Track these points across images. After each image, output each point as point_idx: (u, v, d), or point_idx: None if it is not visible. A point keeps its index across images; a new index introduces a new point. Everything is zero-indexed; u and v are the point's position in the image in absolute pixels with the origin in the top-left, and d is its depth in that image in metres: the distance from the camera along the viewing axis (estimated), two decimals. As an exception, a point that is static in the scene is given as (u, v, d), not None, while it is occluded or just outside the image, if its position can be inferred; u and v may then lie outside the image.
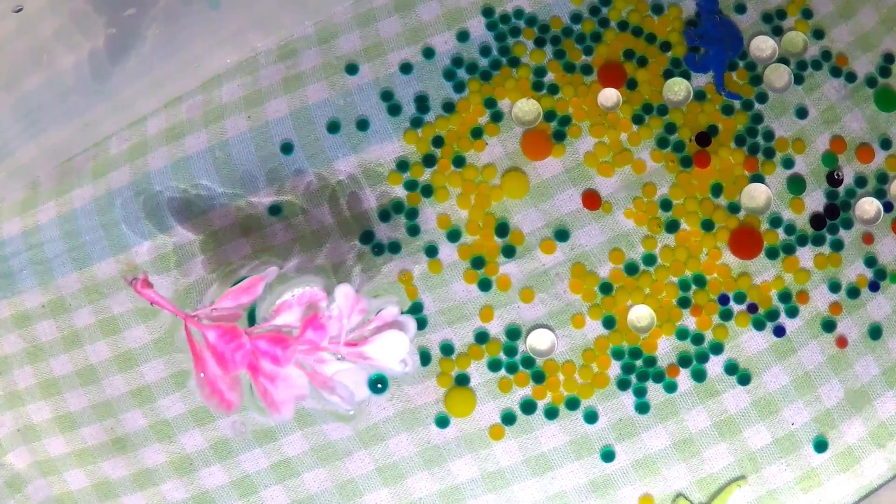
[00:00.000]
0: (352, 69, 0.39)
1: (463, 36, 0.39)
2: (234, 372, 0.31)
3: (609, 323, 0.37)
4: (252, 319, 0.35)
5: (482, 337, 0.37)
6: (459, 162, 0.38)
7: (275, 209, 0.38)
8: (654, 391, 0.37)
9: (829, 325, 0.38)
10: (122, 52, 0.39)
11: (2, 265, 0.39)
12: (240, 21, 0.39)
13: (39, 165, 0.40)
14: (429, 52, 0.39)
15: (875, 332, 0.38)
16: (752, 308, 0.38)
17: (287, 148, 0.38)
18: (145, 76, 0.39)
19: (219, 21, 0.39)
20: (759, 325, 0.38)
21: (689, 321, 0.37)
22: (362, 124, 0.38)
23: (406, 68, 0.39)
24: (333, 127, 0.38)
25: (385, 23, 0.39)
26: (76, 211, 0.39)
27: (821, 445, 0.37)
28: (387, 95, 0.38)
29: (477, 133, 0.38)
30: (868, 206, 0.39)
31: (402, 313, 0.32)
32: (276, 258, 0.37)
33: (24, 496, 0.38)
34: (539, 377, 0.37)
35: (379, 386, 0.36)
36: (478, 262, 0.37)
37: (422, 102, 0.38)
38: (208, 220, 0.38)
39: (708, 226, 0.38)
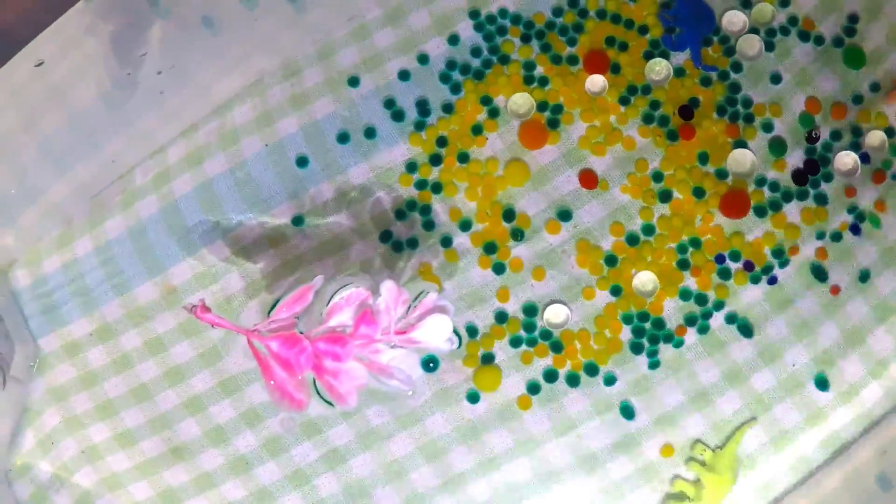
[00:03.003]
0: (353, 82, 0.41)
1: (453, 39, 0.41)
2: (301, 374, 0.34)
3: (616, 291, 0.40)
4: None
5: (502, 317, 0.40)
6: (464, 158, 0.40)
7: (297, 220, 0.41)
8: (665, 350, 0.40)
9: (821, 274, 0.41)
10: (135, 87, 0.42)
11: (46, 300, 0.42)
12: (243, 46, 0.42)
13: (71, 203, 0.42)
14: (423, 59, 0.41)
15: (864, 276, 0.41)
16: (749, 265, 0.40)
17: (302, 162, 0.41)
18: (160, 107, 0.42)
19: (223, 48, 0.42)
20: (755, 280, 0.40)
21: (691, 282, 0.40)
22: (369, 132, 0.41)
23: (404, 75, 0.41)
24: (343, 138, 0.41)
25: (379, 34, 0.41)
26: (111, 242, 0.42)
27: (822, 383, 0.40)
28: (389, 103, 0.41)
29: (477, 130, 0.41)
30: (846, 158, 0.42)
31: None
32: (308, 267, 0.40)
33: (94, 512, 0.41)
34: (557, 347, 0.40)
35: (431, 365, 0.39)
36: (490, 248, 0.40)
37: (423, 106, 0.41)
38: (237, 237, 0.41)
39: (699, 192, 0.40)
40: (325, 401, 0.37)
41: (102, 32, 0.40)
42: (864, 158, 0.41)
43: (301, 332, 0.35)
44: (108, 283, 0.41)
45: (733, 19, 0.42)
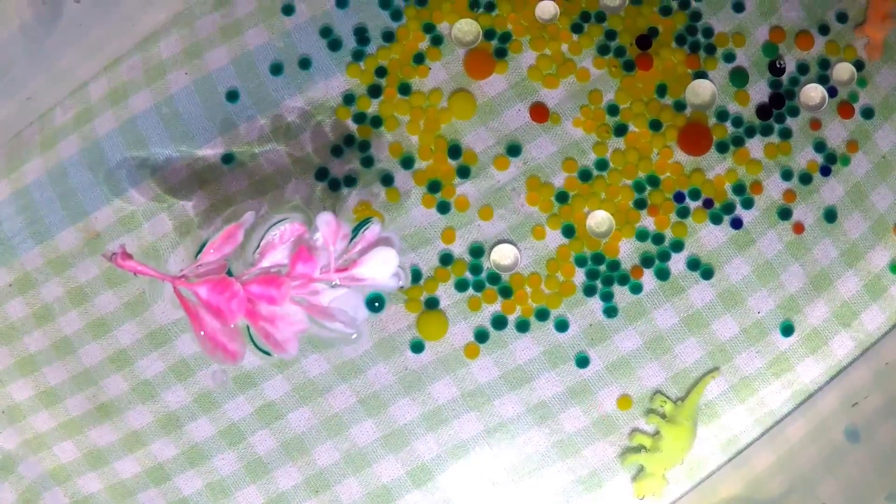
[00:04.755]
0: (288, 10, 0.38)
1: (395, -36, 0.39)
2: (234, 321, 0.31)
3: (569, 231, 0.38)
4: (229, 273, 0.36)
5: (446, 258, 0.38)
6: (405, 89, 0.38)
7: (227, 158, 0.38)
8: (621, 294, 0.38)
9: (784, 213, 0.39)
10: (54, 20, 0.39)
11: (-38, 249, 0.39)
12: (170, -25, 0.39)
13: (-14, 144, 0.40)
14: (363, -16, 0.39)
15: (830, 216, 0.39)
16: (708, 203, 0.38)
17: (232, 96, 0.38)
18: (81, 42, 0.39)
19: (149, -23, 0.39)
20: (716, 220, 0.38)
21: (648, 221, 0.38)
22: (304, 63, 0.38)
23: (342, 2, 0.38)
24: (276, 69, 0.38)
25: (316, -40, 0.39)
26: (29, 185, 0.39)
27: (787, 330, 0.38)
28: (325, 31, 0.38)
29: (419, 59, 0.38)
30: (813, 92, 0.40)
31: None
32: (246, 204, 0.37)
33: (18, 476, 0.38)
34: (506, 292, 0.37)
35: (376, 304, 0.37)
36: (434, 186, 0.38)
37: (361, 35, 0.38)
38: (163, 177, 0.38)
39: (656, 126, 0.38)
40: (262, 350, 0.35)
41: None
42: (832, 92, 0.39)
43: (232, 275, 0.32)
44: (28, 230, 0.38)
45: (694, -56, 0.40)
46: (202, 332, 0.32)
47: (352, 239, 0.33)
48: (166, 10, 0.39)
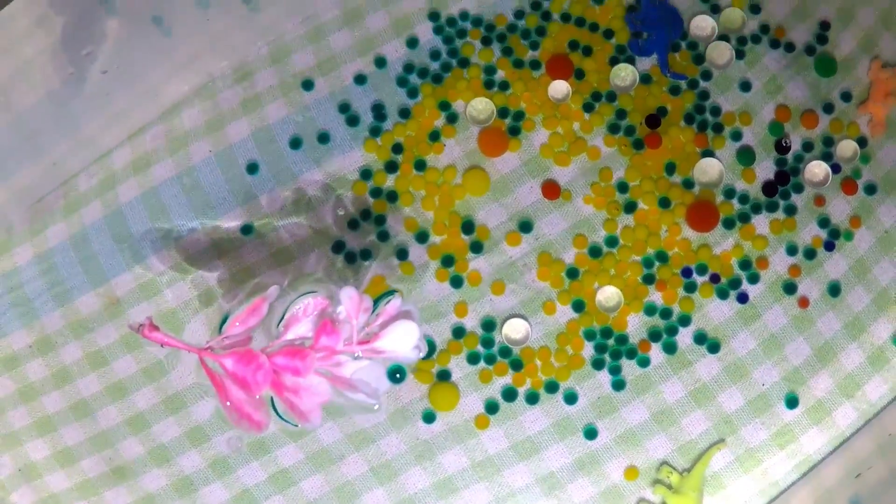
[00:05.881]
0: (308, 85, 0.40)
1: (412, 42, 0.40)
2: (259, 392, 0.33)
3: (579, 306, 0.39)
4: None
5: (459, 332, 0.38)
6: (420, 166, 0.39)
7: (246, 229, 0.39)
8: (629, 367, 0.39)
9: (790, 288, 0.39)
10: (80, 89, 0.40)
11: (-16, 310, 0.40)
12: (193, 46, 0.40)
13: (11, 209, 0.40)
14: (380, 62, 0.40)
15: (834, 290, 0.40)
16: (715, 278, 0.39)
17: (252, 168, 0.39)
18: (106, 110, 0.40)
19: (172, 48, 0.40)
20: (722, 294, 0.39)
21: (656, 296, 0.39)
22: (323, 138, 0.39)
23: (360, 79, 0.40)
24: (295, 143, 0.39)
25: (336, 36, 0.40)
26: (52, 249, 0.40)
27: (792, 402, 0.39)
28: (344, 107, 0.39)
29: (434, 136, 0.39)
30: (817, 169, 0.41)
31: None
32: (260, 277, 0.38)
33: (32, 533, 0.39)
34: (517, 365, 0.38)
35: (398, 376, 0.37)
36: (447, 261, 0.38)
37: (378, 111, 0.39)
38: (184, 245, 0.39)
39: (665, 203, 0.39)
40: (286, 420, 0.35)
41: (52, 25, 0.38)
42: (836, 169, 0.40)
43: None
44: (49, 293, 0.39)
45: (702, 24, 0.41)
46: (228, 403, 0.33)
47: (373, 312, 0.34)
48: (190, 82, 0.40)
